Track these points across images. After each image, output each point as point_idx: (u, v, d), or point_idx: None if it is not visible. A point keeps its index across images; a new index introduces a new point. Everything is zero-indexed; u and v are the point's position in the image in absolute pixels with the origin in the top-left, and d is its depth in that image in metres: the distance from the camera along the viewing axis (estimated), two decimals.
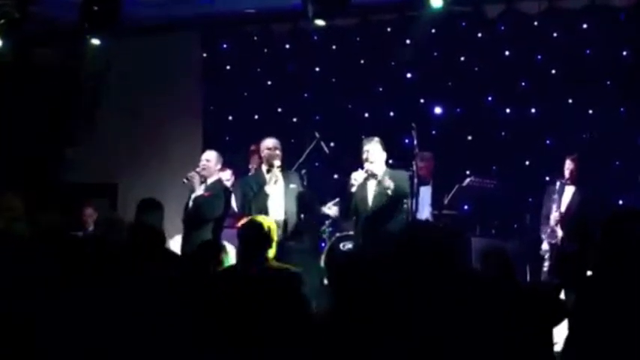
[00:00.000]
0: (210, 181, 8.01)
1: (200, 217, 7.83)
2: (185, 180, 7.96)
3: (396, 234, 6.77)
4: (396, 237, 4.97)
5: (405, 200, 7.51)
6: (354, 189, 7.43)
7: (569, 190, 7.81)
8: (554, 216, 7.71)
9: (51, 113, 11.56)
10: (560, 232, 7.71)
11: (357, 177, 7.41)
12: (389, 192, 7.25)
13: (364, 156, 7.43)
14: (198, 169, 8.00)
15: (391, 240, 5.40)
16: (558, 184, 7.87)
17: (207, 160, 8.04)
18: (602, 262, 4.01)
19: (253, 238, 5.45)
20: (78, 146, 11.75)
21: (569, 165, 7.86)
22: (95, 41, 9.42)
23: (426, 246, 3.76)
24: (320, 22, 8.68)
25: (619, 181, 9.08)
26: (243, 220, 8.46)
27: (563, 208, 7.74)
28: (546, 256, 7.71)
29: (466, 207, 9.15)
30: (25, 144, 11.22)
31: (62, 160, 11.76)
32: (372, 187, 7.43)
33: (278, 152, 7.89)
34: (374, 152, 7.44)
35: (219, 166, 8.17)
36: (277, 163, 7.86)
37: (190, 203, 7.95)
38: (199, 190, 7.87)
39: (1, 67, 10.53)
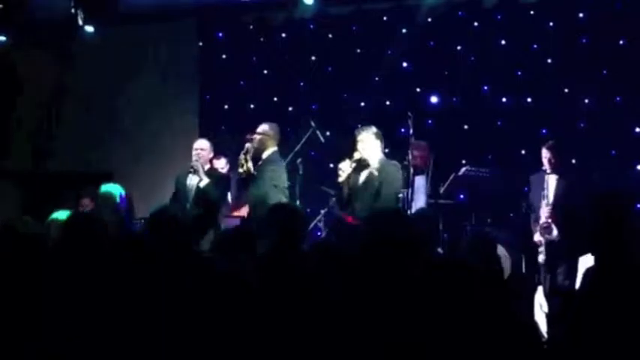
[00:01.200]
0: (206, 168, 8.02)
1: (208, 204, 7.84)
2: (192, 170, 7.93)
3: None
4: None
5: (396, 193, 7.48)
6: (341, 179, 7.45)
7: (552, 179, 7.68)
8: (545, 211, 7.57)
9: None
10: (555, 230, 7.53)
11: (343, 167, 7.44)
12: (374, 181, 7.25)
13: (357, 145, 7.44)
14: (195, 159, 7.97)
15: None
16: (542, 176, 7.74)
17: (202, 149, 8.04)
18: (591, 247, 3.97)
19: (291, 224, 5.22)
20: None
21: (545, 153, 7.71)
22: (89, 29, 9.38)
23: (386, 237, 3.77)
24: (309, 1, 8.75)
25: (615, 171, 9.08)
26: (243, 209, 8.54)
27: (550, 199, 7.61)
28: (540, 249, 7.60)
29: (462, 196, 9.15)
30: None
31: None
32: (363, 177, 7.43)
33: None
34: (366, 141, 7.43)
35: (212, 154, 8.18)
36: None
37: (192, 192, 7.92)
38: (205, 179, 7.86)
39: None
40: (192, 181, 7.97)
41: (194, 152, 8.02)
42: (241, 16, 11.14)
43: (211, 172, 8.03)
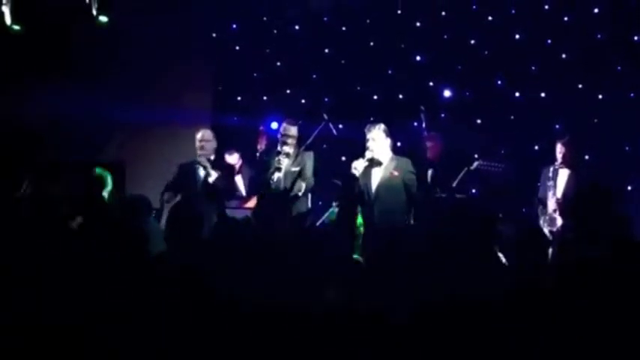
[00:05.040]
0: (212, 158, 7.95)
1: (216, 196, 7.86)
2: (200, 165, 7.89)
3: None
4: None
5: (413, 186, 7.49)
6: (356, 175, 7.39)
7: (564, 174, 7.67)
8: (552, 202, 7.58)
9: None
10: (559, 220, 7.55)
11: (357, 166, 7.33)
12: (396, 180, 7.24)
13: (367, 143, 7.37)
14: (200, 153, 7.88)
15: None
16: (552, 168, 7.74)
17: (207, 141, 7.93)
18: None
19: None
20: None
21: (560, 149, 7.69)
22: (103, 18, 9.35)
23: None
24: None
25: (629, 166, 9.07)
26: (253, 201, 8.53)
27: (559, 194, 7.61)
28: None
29: (474, 190, 9.13)
30: None
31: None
32: (377, 174, 7.37)
33: (282, 138, 7.84)
34: (377, 139, 7.38)
35: (216, 144, 8.07)
36: (285, 149, 7.80)
37: (199, 185, 7.87)
38: (214, 174, 7.78)
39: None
40: (199, 174, 7.89)
41: (198, 144, 7.91)
42: (255, 7, 11.12)
43: (216, 164, 7.96)
